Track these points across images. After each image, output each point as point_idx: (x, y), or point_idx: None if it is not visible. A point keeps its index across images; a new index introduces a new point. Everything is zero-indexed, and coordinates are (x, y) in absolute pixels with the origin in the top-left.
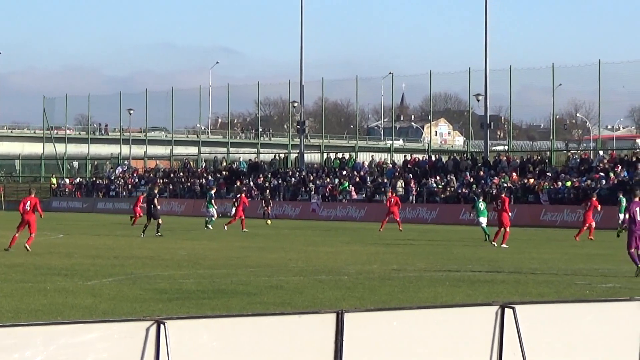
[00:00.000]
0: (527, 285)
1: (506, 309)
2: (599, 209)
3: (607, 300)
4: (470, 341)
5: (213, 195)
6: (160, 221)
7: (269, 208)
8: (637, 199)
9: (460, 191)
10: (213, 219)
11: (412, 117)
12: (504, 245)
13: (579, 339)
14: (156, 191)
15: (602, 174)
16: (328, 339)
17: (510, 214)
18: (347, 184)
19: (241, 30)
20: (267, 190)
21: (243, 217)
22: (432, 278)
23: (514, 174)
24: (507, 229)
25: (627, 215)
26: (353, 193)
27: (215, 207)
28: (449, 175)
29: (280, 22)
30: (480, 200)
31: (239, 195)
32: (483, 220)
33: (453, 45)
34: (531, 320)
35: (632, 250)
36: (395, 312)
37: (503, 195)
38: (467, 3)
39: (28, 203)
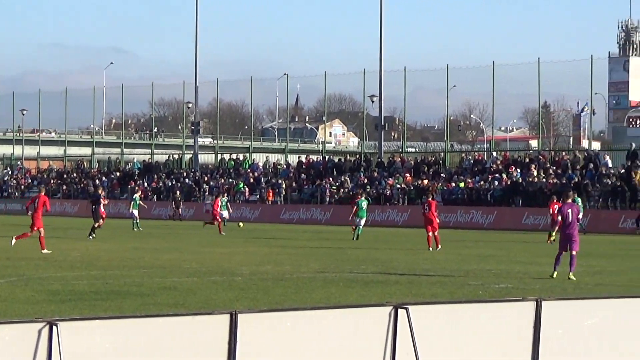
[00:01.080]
0: (421, 286)
1: (399, 310)
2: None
3: (500, 301)
4: (364, 342)
5: (138, 197)
6: (96, 224)
7: (180, 210)
8: (569, 201)
9: (354, 192)
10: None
11: (307, 118)
12: (439, 247)
13: (472, 340)
14: (100, 192)
15: (496, 175)
16: (222, 340)
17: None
18: (241, 184)
19: (134, 31)
20: (178, 192)
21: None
22: (326, 279)
23: (408, 175)
24: (436, 233)
25: (559, 218)
26: (247, 194)
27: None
28: (343, 176)
29: (174, 22)
30: (364, 198)
31: (215, 197)
32: (362, 221)
33: (348, 47)
34: (424, 321)
35: (562, 254)
36: (289, 312)
37: (430, 199)
38: (363, 4)
39: (36, 201)
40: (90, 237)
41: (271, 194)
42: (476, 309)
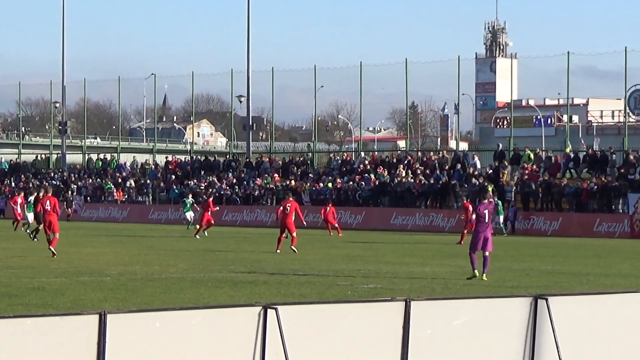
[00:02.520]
0: (290, 286)
1: (269, 310)
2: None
3: (369, 301)
4: (234, 342)
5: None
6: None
7: (70, 210)
8: (485, 201)
9: (222, 192)
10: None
11: (175, 118)
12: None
13: (341, 339)
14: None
15: (365, 175)
16: (91, 340)
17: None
18: (110, 184)
19: None
20: (70, 191)
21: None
22: (195, 279)
23: (276, 175)
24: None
25: (474, 216)
26: (115, 194)
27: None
28: (211, 177)
29: (38, 20)
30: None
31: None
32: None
33: (215, 46)
34: (293, 321)
35: (475, 254)
36: (158, 313)
37: (291, 199)
38: (230, 4)
39: (47, 203)
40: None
41: (120, 194)
42: (345, 309)
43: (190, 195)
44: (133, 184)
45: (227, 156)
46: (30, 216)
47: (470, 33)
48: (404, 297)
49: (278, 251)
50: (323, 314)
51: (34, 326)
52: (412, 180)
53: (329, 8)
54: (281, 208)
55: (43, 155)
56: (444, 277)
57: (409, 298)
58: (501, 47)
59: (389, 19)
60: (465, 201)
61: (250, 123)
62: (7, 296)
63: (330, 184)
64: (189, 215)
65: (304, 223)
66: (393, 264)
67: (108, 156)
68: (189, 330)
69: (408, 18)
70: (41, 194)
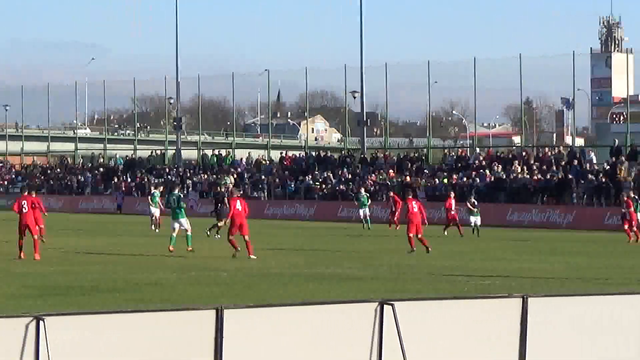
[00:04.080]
0: (406, 282)
1: (385, 306)
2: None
3: (485, 297)
4: (351, 337)
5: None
6: (220, 223)
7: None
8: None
9: (337, 188)
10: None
11: (289, 113)
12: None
13: (457, 335)
14: (229, 189)
15: (480, 171)
16: (208, 335)
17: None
18: (226, 180)
19: (111, 26)
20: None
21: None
22: (311, 275)
23: (391, 171)
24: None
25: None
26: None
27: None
28: (326, 172)
29: (153, 18)
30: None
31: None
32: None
33: (329, 42)
34: (410, 316)
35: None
36: (274, 308)
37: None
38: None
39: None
40: (216, 236)
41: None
42: (461, 305)
43: (153, 188)
44: (247, 180)
45: (342, 152)
46: (154, 210)
47: (585, 28)
48: (521, 293)
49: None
50: (439, 309)
51: (152, 321)
52: (528, 176)
53: (441, 3)
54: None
55: (158, 151)
56: (560, 274)
57: (526, 294)
58: (616, 42)
59: (503, 14)
60: (626, 197)
61: (364, 119)
62: (125, 291)
63: (445, 180)
64: (155, 211)
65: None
66: (509, 260)
67: (223, 152)
68: (305, 325)
69: (522, 13)
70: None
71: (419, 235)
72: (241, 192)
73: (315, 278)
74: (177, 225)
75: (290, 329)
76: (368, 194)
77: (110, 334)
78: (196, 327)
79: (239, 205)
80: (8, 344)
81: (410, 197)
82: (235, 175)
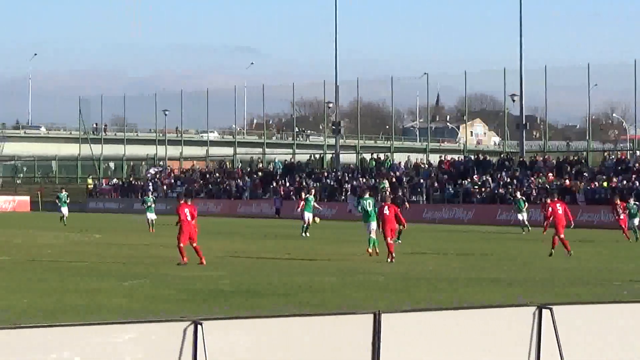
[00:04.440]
0: (563, 285)
1: (543, 310)
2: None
3: None
4: (508, 341)
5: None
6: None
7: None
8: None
9: (496, 191)
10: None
11: (448, 117)
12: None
13: (615, 340)
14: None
15: None
16: (366, 339)
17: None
18: (384, 183)
19: (267, 30)
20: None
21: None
22: (468, 278)
23: (550, 174)
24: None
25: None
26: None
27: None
28: (484, 176)
29: (311, 22)
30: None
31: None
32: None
33: (488, 45)
34: (568, 321)
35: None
36: (432, 312)
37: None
38: (502, 3)
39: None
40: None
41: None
42: (621, 309)
43: (150, 194)
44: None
45: (500, 155)
46: (307, 215)
47: None
48: None
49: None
50: (598, 314)
51: (309, 325)
52: None
53: (602, 4)
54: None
55: (317, 155)
56: None
57: None
58: None
59: None
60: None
61: (524, 122)
62: (283, 295)
63: (605, 183)
64: (150, 216)
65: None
66: None
67: (382, 156)
68: (461, 330)
69: None
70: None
71: (561, 236)
72: (190, 198)
73: (472, 282)
74: (373, 227)
75: (446, 334)
76: (524, 198)
77: (267, 339)
78: (354, 331)
79: (187, 212)
80: (166, 348)
81: (556, 199)
82: (393, 179)
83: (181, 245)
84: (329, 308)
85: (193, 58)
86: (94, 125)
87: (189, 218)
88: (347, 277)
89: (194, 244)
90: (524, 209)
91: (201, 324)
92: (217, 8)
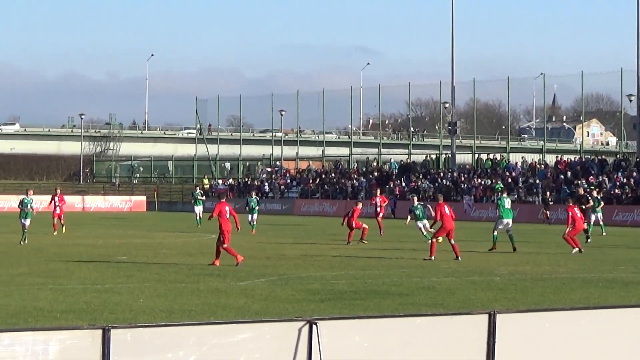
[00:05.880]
0: None
1: None
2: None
3: None
4: (624, 343)
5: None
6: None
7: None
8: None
9: (612, 192)
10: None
11: (564, 117)
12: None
13: None
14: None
15: None
16: (480, 339)
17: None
18: (500, 184)
19: (382, 30)
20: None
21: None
22: (585, 279)
23: None
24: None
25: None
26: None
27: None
28: (601, 177)
29: (428, 22)
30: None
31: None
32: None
33: (605, 45)
34: None
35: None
36: (547, 313)
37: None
38: (618, 3)
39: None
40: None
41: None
42: None
43: (198, 188)
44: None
45: (617, 156)
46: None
47: None
48: None
49: None
50: None
51: (425, 325)
52: None
53: None
54: None
55: (433, 156)
56: None
57: None
58: None
59: None
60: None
61: None
62: (398, 295)
63: None
64: (198, 210)
65: None
66: None
67: (498, 156)
68: (578, 330)
69: None
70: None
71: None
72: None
73: (590, 282)
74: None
75: (562, 334)
76: (599, 197)
77: (382, 338)
78: (469, 331)
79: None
80: (281, 347)
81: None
82: (509, 179)
83: (226, 245)
84: (444, 308)
85: (309, 58)
86: (208, 126)
87: (228, 216)
88: (463, 277)
89: (225, 245)
90: (599, 209)
91: (316, 324)
92: (332, 8)
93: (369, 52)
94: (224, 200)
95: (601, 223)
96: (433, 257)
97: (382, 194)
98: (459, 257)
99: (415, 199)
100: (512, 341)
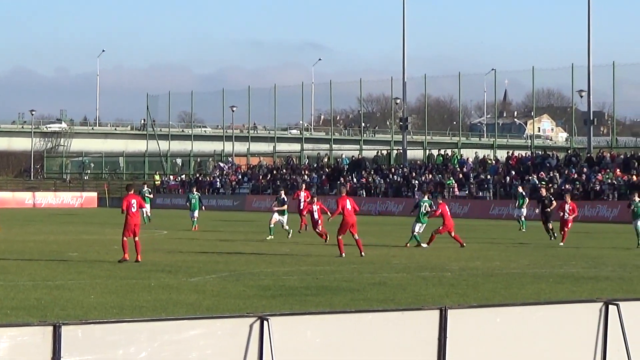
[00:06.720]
0: (632, 282)
1: (610, 306)
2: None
3: None
4: (574, 338)
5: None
6: None
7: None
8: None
9: (563, 187)
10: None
11: (515, 113)
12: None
13: None
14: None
15: None
16: (431, 335)
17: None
18: (451, 180)
19: (332, 26)
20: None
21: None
22: (536, 275)
23: (618, 170)
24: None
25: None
26: (456, 190)
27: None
28: (552, 172)
29: (379, 18)
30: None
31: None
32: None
33: (556, 41)
34: (635, 317)
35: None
36: (499, 308)
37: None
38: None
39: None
40: None
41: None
42: None
43: (145, 186)
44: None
45: (568, 151)
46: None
47: None
48: None
49: None
50: None
51: (375, 321)
52: None
53: None
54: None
55: (384, 151)
56: None
57: None
58: None
59: None
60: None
61: (591, 118)
62: (350, 291)
63: None
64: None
65: None
66: None
67: (449, 151)
68: (529, 325)
69: None
70: None
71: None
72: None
73: (541, 278)
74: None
75: (513, 329)
76: (524, 193)
77: (333, 334)
78: (420, 327)
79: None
80: (233, 343)
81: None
82: (460, 175)
83: (125, 239)
84: (396, 304)
85: (260, 54)
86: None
87: (133, 210)
88: (414, 273)
89: (136, 238)
90: (524, 205)
91: (268, 320)
92: (283, 4)
93: (320, 48)
94: (131, 192)
95: (523, 219)
96: (343, 254)
97: (307, 190)
98: (363, 253)
99: (427, 195)
100: (464, 337)
